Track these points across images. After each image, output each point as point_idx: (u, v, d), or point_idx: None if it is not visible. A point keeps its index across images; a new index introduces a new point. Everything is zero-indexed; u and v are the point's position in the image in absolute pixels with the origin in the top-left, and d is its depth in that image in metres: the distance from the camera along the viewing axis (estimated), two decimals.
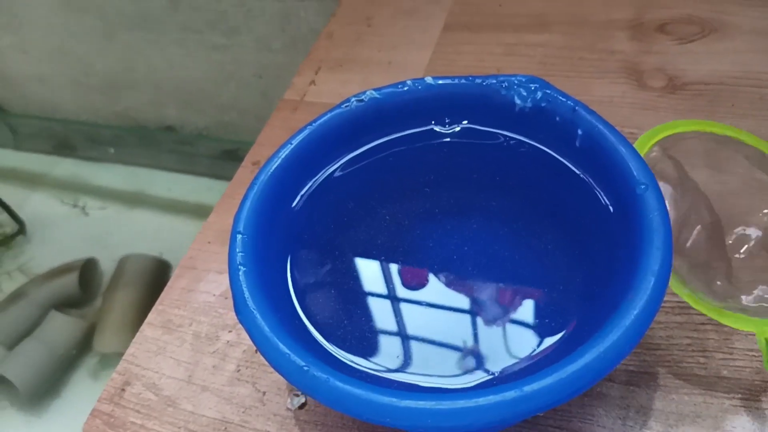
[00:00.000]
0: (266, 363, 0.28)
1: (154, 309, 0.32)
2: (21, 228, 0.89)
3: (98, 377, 0.72)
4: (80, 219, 0.88)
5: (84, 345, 0.73)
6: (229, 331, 0.30)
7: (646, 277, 0.19)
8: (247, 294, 0.21)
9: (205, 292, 0.32)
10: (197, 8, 0.64)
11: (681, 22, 0.41)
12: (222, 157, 0.81)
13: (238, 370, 0.29)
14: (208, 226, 0.35)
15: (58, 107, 0.89)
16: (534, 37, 0.41)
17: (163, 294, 0.33)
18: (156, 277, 0.76)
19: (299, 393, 0.27)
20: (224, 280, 0.32)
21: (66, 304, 0.77)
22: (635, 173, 0.22)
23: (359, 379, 0.19)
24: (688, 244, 0.23)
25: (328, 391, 0.19)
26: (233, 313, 0.30)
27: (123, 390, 0.29)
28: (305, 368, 0.19)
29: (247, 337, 0.29)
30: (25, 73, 0.85)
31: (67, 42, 0.76)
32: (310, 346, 0.22)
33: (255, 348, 0.29)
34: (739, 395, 0.24)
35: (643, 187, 0.21)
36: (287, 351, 0.20)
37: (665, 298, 0.27)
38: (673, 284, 0.23)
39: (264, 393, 0.28)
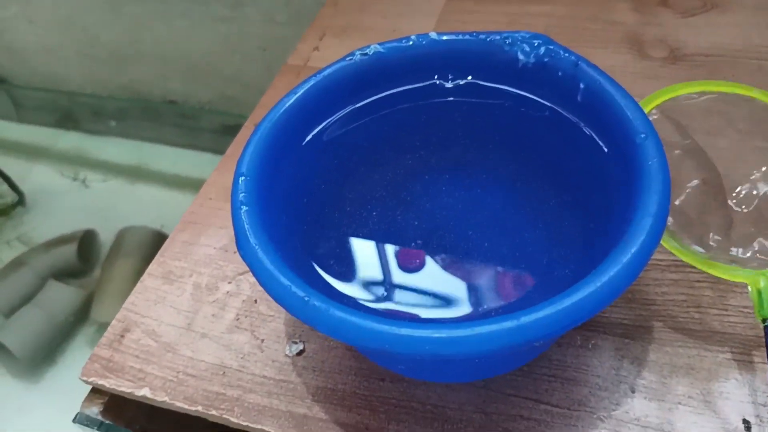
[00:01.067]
0: (265, 312, 0.29)
1: (154, 260, 0.32)
2: (21, 199, 0.89)
3: (95, 346, 0.72)
4: (81, 192, 0.88)
5: (82, 314, 0.74)
6: (229, 282, 0.30)
7: (644, 219, 0.19)
8: (249, 231, 0.22)
9: (206, 245, 0.32)
10: None
11: None
12: (224, 132, 0.81)
13: (237, 319, 0.29)
14: (210, 183, 0.36)
15: (63, 79, 0.89)
16: (537, 7, 0.42)
17: (163, 247, 0.33)
18: (155, 249, 0.76)
19: (297, 340, 0.28)
20: (225, 234, 0.33)
21: (65, 274, 0.77)
22: (635, 123, 0.22)
23: (359, 310, 0.19)
24: (677, 202, 0.23)
25: (328, 320, 0.19)
26: (233, 265, 0.31)
27: (122, 336, 0.30)
28: (306, 299, 0.19)
29: (246, 288, 0.30)
30: (31, 44, 0.85)
31: (74, 13, 0.76)
32: (312, 281, 0.22)
33: (254, 298, 0.30)
34: (732, 349, 0.25)
35: (642, 136, 0.22)
36: (288, 283, 0.20)
37: (661, 257, 0.27)
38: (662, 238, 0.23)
39: (262, 340, 0.28)
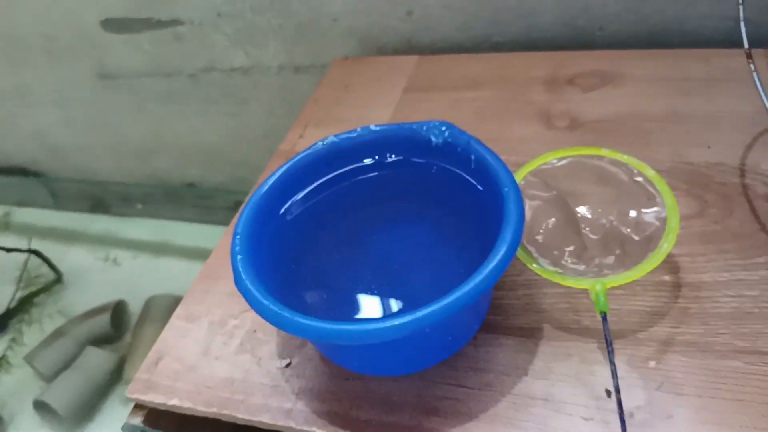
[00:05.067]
0: (262, 338, 0.38)
1: (180, 305, 0.42)
2: (59, 277, 1.01)
3: (128, 403, 0.80)
4: (112, 268, 1.00)
5: (116, 375, 0.83)
6: (235, 318, 0.40)
7: (502, 244, 0.29)
8: (242, 271, 0.32)
9: (218, 292, 0.42)
10: (213, 84, 0.78)
11: (586, 76, 0.52)
12: (235, 208, 0.93)
13: (242, 344, 0.39)
14: (220, 245, 0.46)
15: (96, 171, 1.02)
16: (472, 93, 0.53)
17: (186, 295, 0.43)
18: None
19: (286, 357, 0.37)
20: (232, 283, 0.43)
21: (100, 341, 0.87)
22: (503, 180, 0.32)
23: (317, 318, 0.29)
24: (539, 237, 0.33)
25: (293, 324, 0.29)
26: (238, 306, 0.41)
27: (156, 364, 0.39)
28: (279, 311, 0.29)
29: (248, 321, 0.40)
30: (68, 143, 1.00)
31: (105, 116, 0.90)
32: (290, 302, 0.32)
33: (254, 329, 0.39)
34: (598, 340, 0.34)
35: (506, 189, 0.32)
36: (267, 303, 0.30)
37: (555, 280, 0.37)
38: (526, 260, 0.33)
39: (260, 358, 0.37)
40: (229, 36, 0.71)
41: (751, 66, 0.40)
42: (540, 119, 0.49)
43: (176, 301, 0.88)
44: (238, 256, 0.32)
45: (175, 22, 0.72)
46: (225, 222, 1.00)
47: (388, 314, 0.32)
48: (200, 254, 0.95)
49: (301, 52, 0.69)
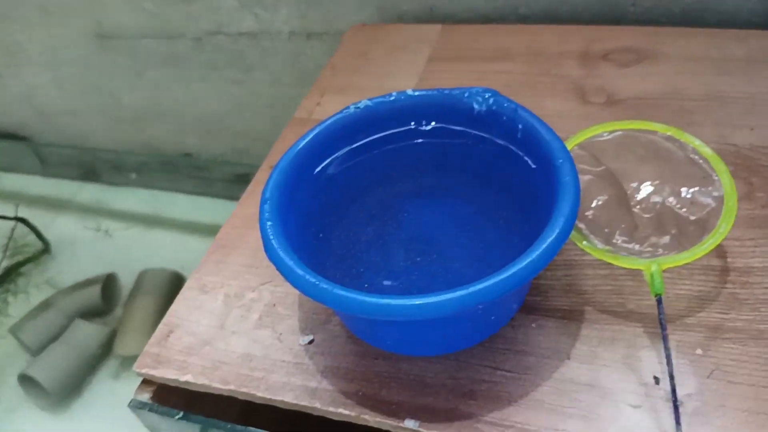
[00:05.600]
0: (282, 313, 0.36)
1: (191, 277, 0.40)
2: (46, 247, 0.97)
3: (119, 378, 0.78)
4: (103, 239, 0.96)
5: (106, 349, 0.80)
6: (253, 291, 0.38)
7: (559, 218, 0.27)
8: (273, 239, 0.29)
9: (234, 263, 0.40)
10: (219, 49, 0.74)
11: (621, 51, 0.50)
12: (236, 180, 0.90)
13: (260, 319, 0.36)
14: (235, 213, 0.43)
15: (87, 138, 0.98)
16: (500, 65, 0.51)
17: (199, 266, 0.40)
18: (174, 287, 0.83)
19: (308, 333, 0.35)
20: (249, 254, 0.40)
21: (89, 314, 0.84)
22: (556, 152, 0.30)
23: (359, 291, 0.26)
24: (589, 213, 0.31)
25: (333, 297, 0.26)
26: (256, 278, 0.38)
27: (167, 336, 0.37)
28: (316, 283, 0.27)
29: (267, 295, 0.37)
30: (59, 107, 0.95)
31: (100, 79, 0.86)
32: (321, 272, 0.29)
33: (273, 302, 0.37)
34: (645, 325, 0.32)
35: (560, 161, 0.30)
36: (302, 273, 0.27)
37: (592, 258, 0.35)
38: (576, 238, 0.31)
39: (281, 334, 0.35)
40: None
41: None
42: (575, 94, 0.46)
43: (170, 275, 0.85)
44: (268, 223, 0.30)
45: None
46: (223, 195, 0.96)
47: (435, 291, 0.30)
48: (196, 228, 0.92)
49: (315, 17, 0.66)
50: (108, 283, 0.87)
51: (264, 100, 0.77)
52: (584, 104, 0.46)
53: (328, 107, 0.51)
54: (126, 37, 0.78)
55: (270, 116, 0.79)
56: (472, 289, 0.25)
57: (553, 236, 0.26)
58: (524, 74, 0.49)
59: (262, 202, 0.31)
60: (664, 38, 0.50)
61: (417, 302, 0.25)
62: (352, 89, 0.52)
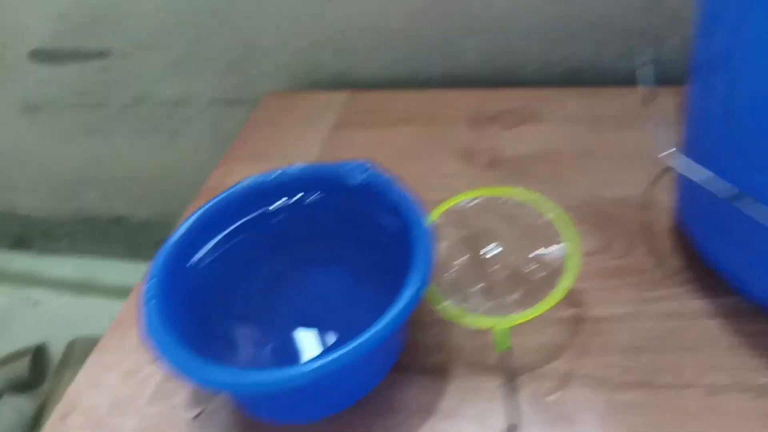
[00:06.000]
0: (173, 388, 0.37)
1: (93, 353, 0.41)
2: None
3: None
4: (33, 309, 0.94)
5: (33, 425, 0.78)
6: (150, 365, 0.39)
7: (407, 289, 0.30)
8: (150, 322, 0.31)
9: (135, 337, 0.41)
10: (142, 117, 0.76)
11: (507, 113, 0.54)
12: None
13: (154, 393, 0.37)
14: (136, 288, 0.44)
15: (18, 207, 0.98)
16: (400, 129, 0.54)
17: (100, 343, 0.41)
18: None
19: (198, 406, 0.36)
20: None
21: (18, 388, 0.82)
22: (414, 223, 0.33)
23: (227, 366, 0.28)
24: (446, 276, 0.34)
25: (188, 368, 0.28)
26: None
27: (63, 419, 0.37)
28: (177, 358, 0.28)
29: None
30: None
31: (29, 148, 0.87)
32: (202, 351, 0.31)
33: (168, 377, 0.38)
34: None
35: (415, 233, 0.32)
36: (168, 351, 0.29)
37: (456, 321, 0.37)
38: (434, 300, 0.33)
39: (173, 407, 0.36)
40: (161, 68, 0.70)
41: (651, 104, 0.42)
42: (463, 156, 0.50)
43: None
44: (149, 303, 0.31)
45: (103, 54, 0.71)
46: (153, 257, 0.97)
47: (285, 363, 0.32)
48: (128, 293, 0.91)
49: (234, 84, 0.69)
50: (37, 355, 0.85)
51: (190, 165, 0.80)
52: (470, 166, 0.49)
53: (235, 177, 0.52)
54: (51, 109, 0.79)
55: (195, 181, 0.80)
56: (316, 363, 0.27)
57: (399, 308, 0.29)
58: (420, 138, 0.53)
59: (145, 282, 0.33)
60: (548, 99, 0.55)
61: (268, 376, 0.27)
62: (260, 158, 0.55)
